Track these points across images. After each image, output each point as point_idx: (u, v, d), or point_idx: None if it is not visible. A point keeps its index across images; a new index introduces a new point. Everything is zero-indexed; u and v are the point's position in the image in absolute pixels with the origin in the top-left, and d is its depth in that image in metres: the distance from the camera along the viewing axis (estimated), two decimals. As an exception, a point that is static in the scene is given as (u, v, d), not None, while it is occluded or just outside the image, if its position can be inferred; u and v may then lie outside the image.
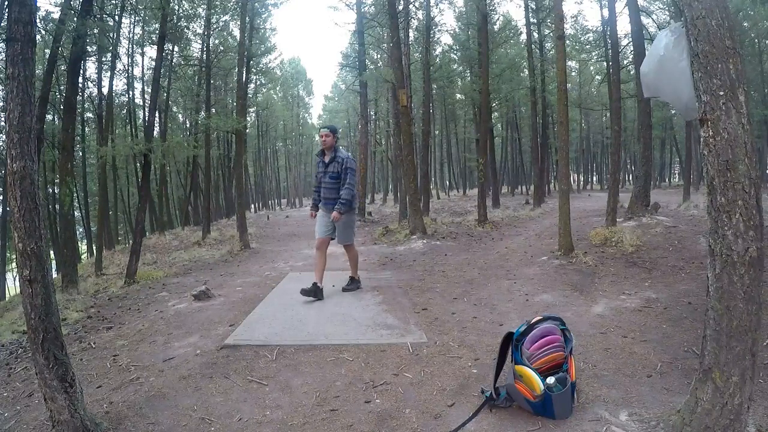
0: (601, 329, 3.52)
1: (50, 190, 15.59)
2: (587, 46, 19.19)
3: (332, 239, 4.88)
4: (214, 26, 14.92)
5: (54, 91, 11.72)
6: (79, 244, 17.72)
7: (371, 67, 20.40)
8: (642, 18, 10.34)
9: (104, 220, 14.66)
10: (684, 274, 5.01)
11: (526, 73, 20.50)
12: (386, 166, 28.80)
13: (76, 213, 17.05)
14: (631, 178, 30.37)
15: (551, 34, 16.28)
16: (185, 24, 14.45)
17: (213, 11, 13.86)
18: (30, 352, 2.57)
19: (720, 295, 1.86)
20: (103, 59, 13.97)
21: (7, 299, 13.53)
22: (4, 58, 4.41)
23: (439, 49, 20.41)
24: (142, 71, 18.09)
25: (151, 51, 18.55)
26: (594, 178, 37.39)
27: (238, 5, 13.30)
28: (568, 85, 9.82)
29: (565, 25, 9.65)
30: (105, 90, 14.67)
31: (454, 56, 21.61)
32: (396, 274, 5.99)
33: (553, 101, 16.12)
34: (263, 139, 33.69)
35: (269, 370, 2.99)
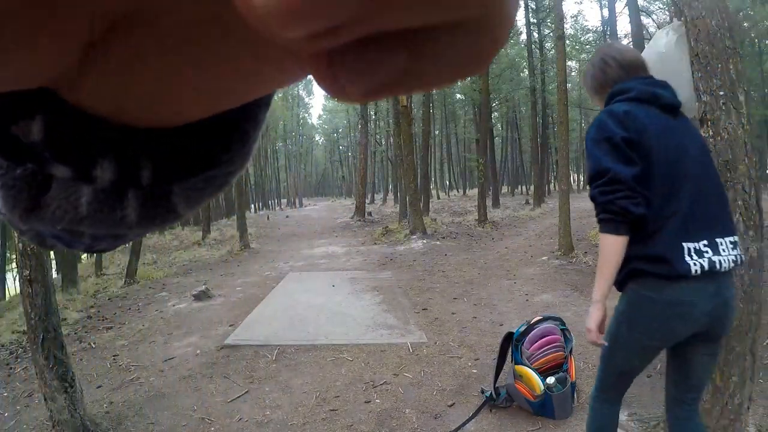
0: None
1: (50, 190, 15.57)
2: (587, 46, 19.20)
3: None
4: (214, 26, 14.94)
5: (54, 91, 11.72)
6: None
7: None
8: (642, 18, 10.35)
9: (104, 220, 14.63)
10: (684, 274, 5.01)
11: (526, 73, 20.52)
12: (386, 166, 28.82)
13: (76, 213, 17.03)
14: (631, 178, 30.28)
15: (551, 34, 16.28)
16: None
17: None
18: (30, 352, 2.57)
19: (720, 295, 1.86)
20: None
21: (7, 299, 13.53)
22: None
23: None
24: (142, 71, 18.11)
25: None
26: (594, 178, 37.38)
27: (238, 5, 13.32)
28: (568, 85, 9.83)
29: (565, 25, 9.66)
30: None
31: (454, 56, 21.57)
32: (396, 274, 5.99)
33: (553, 101, 16.13)
34: (263, 139, 33.63)
35: (269, 370, 2.99)
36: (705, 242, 1.23)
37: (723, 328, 1.32)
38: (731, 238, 1.29)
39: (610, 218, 1.26)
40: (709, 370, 1.42)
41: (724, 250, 1.25)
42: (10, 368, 3.39)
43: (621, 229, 1.25)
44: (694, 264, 1.20)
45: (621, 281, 1.32)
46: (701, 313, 1.24)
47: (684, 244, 1.22)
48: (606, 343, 1.36)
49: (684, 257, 1.21)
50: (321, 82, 0.09)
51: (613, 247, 1.26)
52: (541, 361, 2.33)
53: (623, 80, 1.35)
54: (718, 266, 1.22)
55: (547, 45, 18.93)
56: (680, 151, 1.27)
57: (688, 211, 1.24)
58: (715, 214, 1.29)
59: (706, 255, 1.22)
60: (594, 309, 1.31)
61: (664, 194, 1.24)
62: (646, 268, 1.25)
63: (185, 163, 0.14)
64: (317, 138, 56.64)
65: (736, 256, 1.27)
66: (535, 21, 18.28)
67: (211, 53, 0.11)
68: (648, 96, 1.29)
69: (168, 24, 0.10)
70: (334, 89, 0.09)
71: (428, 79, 0.09)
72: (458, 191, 32.55)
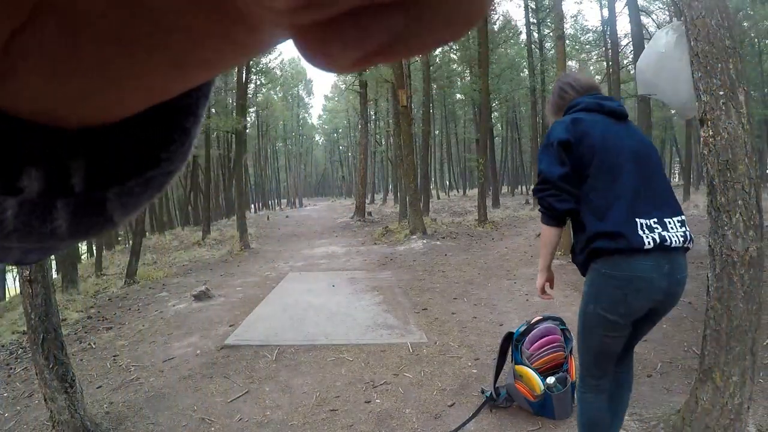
0: (601, 329, 3.52)
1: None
2: (587, 46, 19.20)
3: None
4: (214, 26, 14.91)
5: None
6: (79, 244, 17.72)
7: (371, 67, 20.35)
8: (642, 18, 10.36)
9: (104, 220, 14.60)
10: (684, 274, 5.01)
11: (526, 73, 20.52)
12: (386, 166, 28.80)
13: (76, 213, 17.00)
14: (631, 178, 30.23)
15: (551, 34, 16.27)
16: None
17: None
18: (30, 352, 2.57)
19: (720, 295, 1.86)
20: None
21: (7, 299, 13.53)
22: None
23: (438, 49, 20.41)
24: (142, 71, 18.08)
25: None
26: (594, 178, 37.32)
27: (238, 5, 13.30)
28: (568, 85, 9.80)
29: (565, 25, 9.67)
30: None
31: (454, 56, 21.62)
32: (396, 274, 5.99)
33: (553, 101, 16.09)
34: (263, 139, 33.69)
35: (269, 370, 2.99)
36: (655, 220, 1.40)
37: (673, 305, 1.48)
38: (679, 218, 1.45)
39: (543, 211, 1.51)
40: (644, 335, 1.63)
41: (672, 228, 1.41)
42: (10, 368, 3.39)
43: (550, 221, 1.50)
44: (647, 237, 1.36)
45: (583, 264, 1.50)
46: (657, 289, 1.39)
47: (637, 219, 1.38)
48: (551, 297, 1.67)
49: (637, 231, 1.37)
50: (307, 52, 0.08)
51: (546, 236, 1.54)
52: (541, 361, 2.33)
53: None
54: (668, 241, 1.37)
55: (547, 45, 18.91)
56: (621, 148, 1.47)
57: (632, 195, 1.41)
58: (661, 197, 1.46)
59: (656, 230, 1.38)
60: (539, 275, 1.64)
61: (608, 182, 1.43)
62: (604, 246, 1.40)
63: (121, 164, 0.12)
64: (317, 138, 56.62)
65: (684, 232, 1.42)
66: (535, 21, 18.28)
67: (158, 29, 0.09)
68: (594, 106, 1.54)
69: (100, 4, 0.09)
70: (321, 59, 0.08)
71: (422, 42, 0.08)
72: (458, 191, 32.54)
